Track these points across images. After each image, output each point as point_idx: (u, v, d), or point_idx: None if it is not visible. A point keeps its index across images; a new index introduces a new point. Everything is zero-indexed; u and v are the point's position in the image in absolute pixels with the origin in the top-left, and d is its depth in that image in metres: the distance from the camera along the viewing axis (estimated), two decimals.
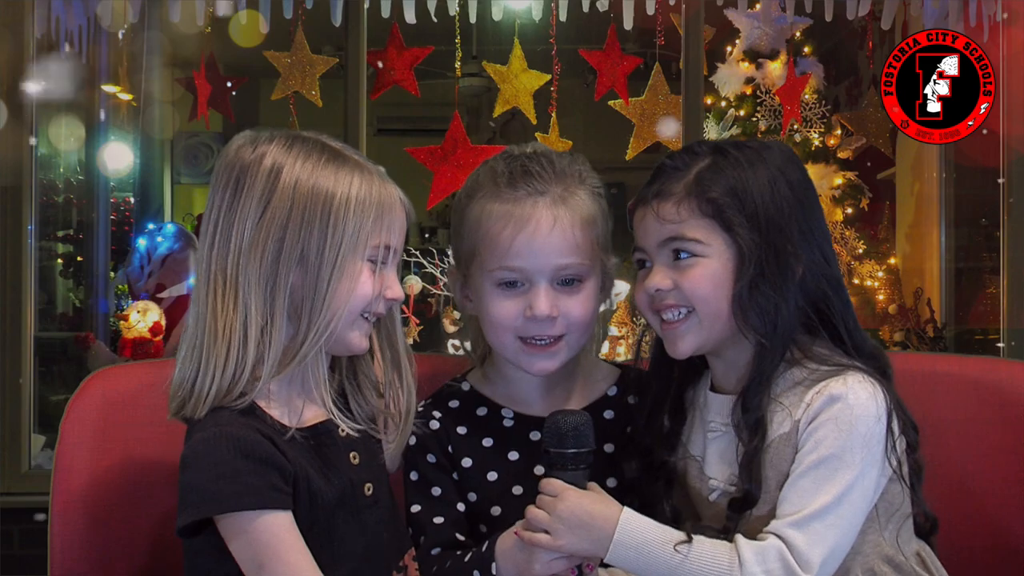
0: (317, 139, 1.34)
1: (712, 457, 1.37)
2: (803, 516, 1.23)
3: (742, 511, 1.28)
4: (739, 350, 1.34)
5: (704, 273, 1.31)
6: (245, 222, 1.28)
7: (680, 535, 1.25)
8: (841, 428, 1.24)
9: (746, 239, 1.29)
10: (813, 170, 4.17)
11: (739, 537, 1.25)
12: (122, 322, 3.73)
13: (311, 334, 1.29)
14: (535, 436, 1.47)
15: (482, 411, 1.50)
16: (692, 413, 1.43)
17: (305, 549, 1.27)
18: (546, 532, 1.27)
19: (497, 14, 3.66)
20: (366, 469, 1.38)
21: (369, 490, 1.37)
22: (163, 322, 3.66)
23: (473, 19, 3.62)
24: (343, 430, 1.36)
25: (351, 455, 1.37)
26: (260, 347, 1.29)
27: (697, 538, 1.24)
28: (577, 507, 1.27)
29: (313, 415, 1.35)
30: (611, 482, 1.46)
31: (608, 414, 1.50)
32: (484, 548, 1.37)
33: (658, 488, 1.41)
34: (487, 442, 1.48)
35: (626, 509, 1.27)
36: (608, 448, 1.48)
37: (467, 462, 1.47)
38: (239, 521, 1.24)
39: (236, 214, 1.29)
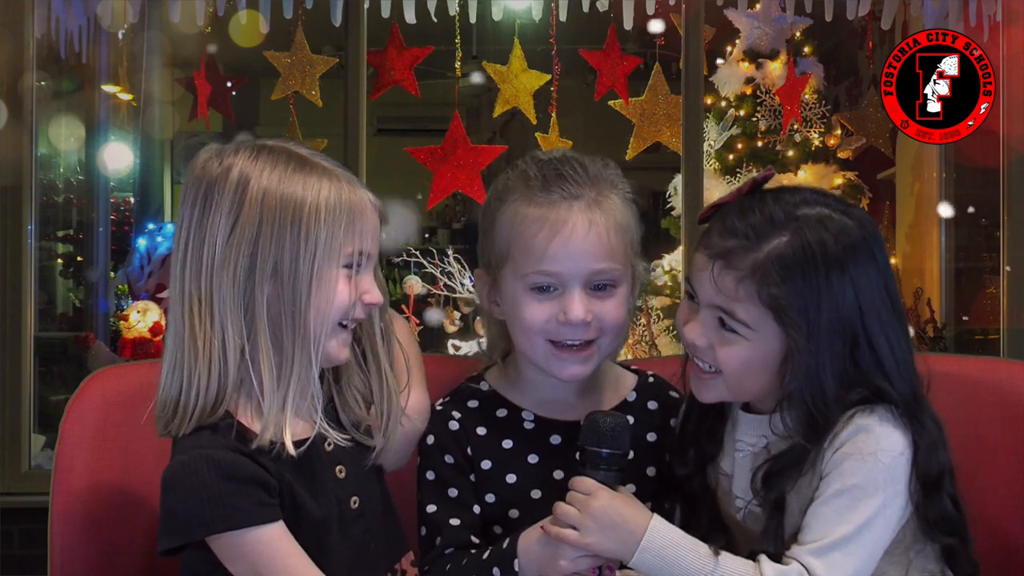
0: (284, 147, 1.32)
1: (739, 476, 1.37)
2: (823, 545, 1.23)
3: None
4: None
5: (740, 355, 1.29)
6: (215, 239, 1.27)
7: (706, 549, 1.25)
8: (865, 459, 1.23)
9: (800, 343, 1.25)
10: (813, 170, 4.18)
11: (763, 558, 1.25)
12: (122, 322, 3.74)
13: (297, 351, 1.28)
14: (556, 440, 1.47)
15: (502, 412, 1.49)
16: (729, 425, 1.42)
17: (302, 553, 1.27)
18: (574, 529, 1.27)
19: (497, 14, 3.66)
20: (352, 482, 1.37)
21: (355, 503, 1.36)
22: (163, 322, 3.66)
23: (473, 19, 3.62)
24: (329, 443, 1.35)
25: (337, 469, 1.35)
26: (242, 369, 1.27)
27: (723, 554, 1.25)
28: (609, 507, 1.27)
29: (299, 429, 1.32)
30: (630, 488, 1.45)
31: (628, 419, 1.49)
32: (506, 545, 1.36)
33: (695, 497, 1.41)
34: (507, 444, 1.47)
35: (656, 516, 1.28)
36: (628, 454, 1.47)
37: (486, 464, 1.46)
38: (229, 541, 1.24)
39: (206, 231, 1.27)
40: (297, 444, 1.30)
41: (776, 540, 1.27)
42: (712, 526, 1.39)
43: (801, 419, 1.28)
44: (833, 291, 1.25)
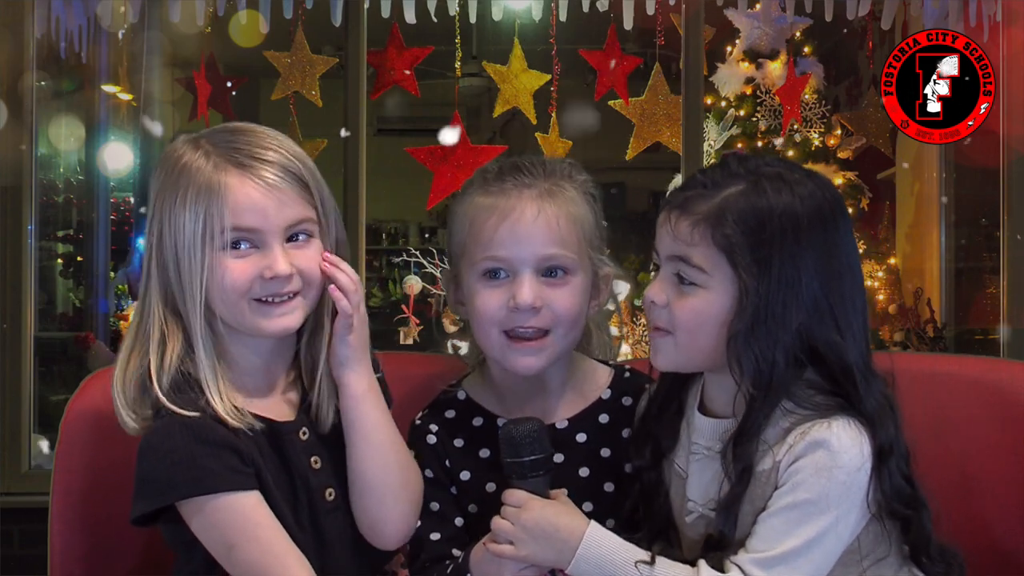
0: (194, 135, 1.34)
1: (693, 479, 1.35)
2: (769, 556, 1.21)
3: (716, 550, 1.26)
4: (726, 376, 1.31)
5: (695, 305, 1.27)
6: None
7: (643, 555, 1.24)
8: (820, 474, 1.21)
9: (750, 284, 1.24)
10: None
11: (703, 564, 1.24)
12: (122, 322, 3.74)
13: (202, 331, 1.29)
14: None
15: (478, 421, 1.49)
16: (684, 423, 1.40)
17: (278, 526, 1.25)
18: (511, 543, 1.27)
19: (497, 14, 3.66)
20: (328, 474, 1.36)
21: (330, 495, 1.35)
22: None
23: (473, 19, 3.62)
24: (304, 432, 1.34)
25: (312, 459, 1.35)
26: (161, 350, 1.29)
27: (660, 560, 1.24)
28: (541, 518, 1.26)
29: (279, 413, 1.33)
30: (608, 487, 1.45)
31: (603, 418, 1.49)
32: (461, 560, 1.37)
33: (650, 491, 1.40)
34: (484, 453, 1.47)
35: (593, 523, 1.27)
36: (605, 453, 1.47)
37: (465, 475, 1.47)
38: (201, 506, 1.23)
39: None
40: (269, 426, 1.31)
41: (729, 520, 1.25)
42: (667, 523, 1.38)
43: (749, 373, 1.25)
44: (787, 243, 1.24)
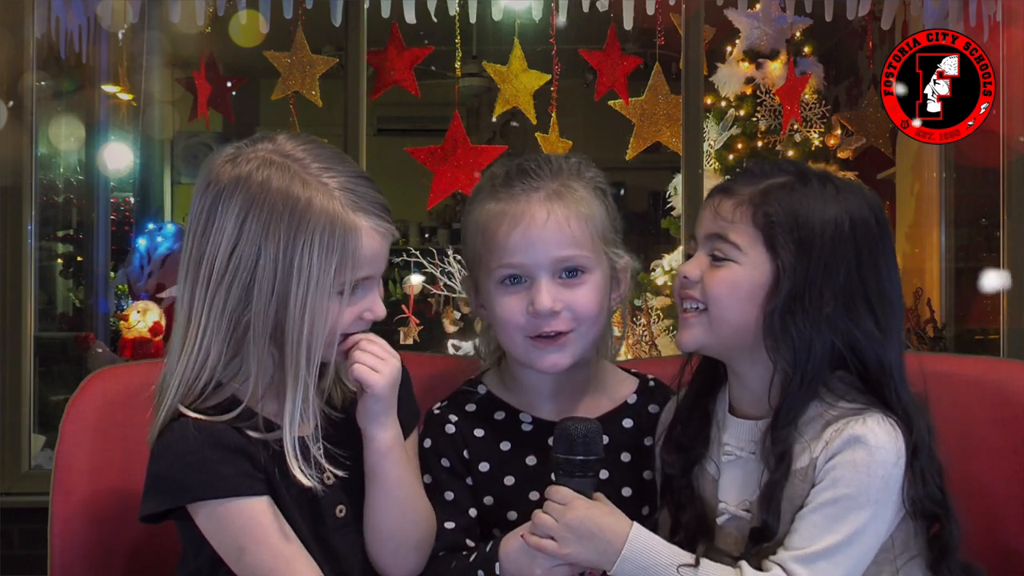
0: (288, 163, 1.27)
1: (725, 481, 1.36)
2: (810, 552, 1.23)
3: (761, 542, 1.26)
4: (754, 372, 1.32)
5: (728, 277, 1.29)
6: (215, 254, 1.25)
7: (687, 557, 1.25)
8: (859, 470, 1.23)
9: (787, 261, 1.26)
10: None
11: (744, 565, 1.25)
12: (122, 322, 3.74)
13: (295, 366, 1.26)
14: None
15: (500, 415, 1.49)
16: (714, 428, 1.40)
17: (289, 532, 1.26)
18: (552, 539, 1.27)
19: (497, 14, 3.66)
20: (340, 491, 1.35)
21: (341, 512, 1.35)
22: (163, 322, 3.66)
23: (473, 19, 3.62)
24: (320, 448, 1.34)
25: (325, 475, 1.34)
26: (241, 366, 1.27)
27: (704, 562, 1.25)
28: (586, 517, 1.27)
29: (300, 426, 1.33)
30: (627, 491, 1.46)
31: (627, 422, 1.49)
32: (488, 548, 1.37)
33: (681, 498, 1.40)
34: (505, 446, 1.47)
35: (636, 525, 1.27)
36: (625, 457, 1.47)
37: (484, 466, 1.47)
38: (212, 509, 1.24)
39: (207, 243, 1.26)
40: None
41: (772, 510, 1.26)
42: (699, 529, 1.38)
43: (787, 356, 1.26)
44: (827, 233, 1.27)
